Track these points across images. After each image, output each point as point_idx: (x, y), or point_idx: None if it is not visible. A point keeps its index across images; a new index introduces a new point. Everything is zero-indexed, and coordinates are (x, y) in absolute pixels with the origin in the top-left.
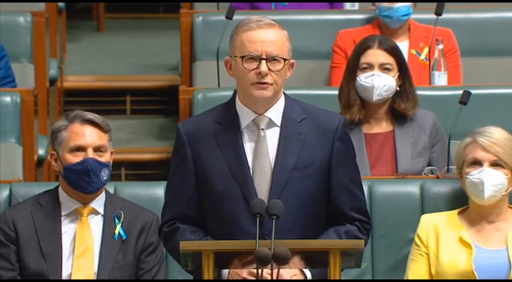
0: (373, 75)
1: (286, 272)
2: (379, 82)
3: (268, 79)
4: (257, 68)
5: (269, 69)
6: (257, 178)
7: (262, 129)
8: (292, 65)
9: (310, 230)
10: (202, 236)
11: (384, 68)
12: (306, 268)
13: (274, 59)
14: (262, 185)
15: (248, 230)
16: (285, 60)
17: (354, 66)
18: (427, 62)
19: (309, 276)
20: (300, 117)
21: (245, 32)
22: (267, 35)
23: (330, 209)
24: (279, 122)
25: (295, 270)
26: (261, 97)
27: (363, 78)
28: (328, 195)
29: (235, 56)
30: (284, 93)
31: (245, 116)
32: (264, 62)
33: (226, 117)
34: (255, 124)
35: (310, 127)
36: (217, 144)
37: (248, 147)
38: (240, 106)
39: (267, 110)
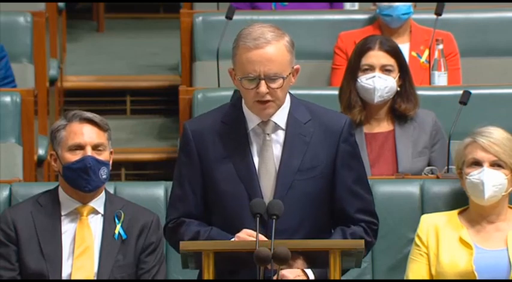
0: (374, 77)
1: (289, 272)
2: (380, 84)
3: (268, 97)
4: (256, 87)
5: (269, 87)
6: (263, 180)
7: (268, 134)
8: (297, 70)
9: (315, 232)
10: (207, 227)
11: (385, 69)
12: (308, 268)
13: (273, 78)
14: (267, 188)
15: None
16: (284, 78)
17: (354, 67)
18: (428, 65)
19: (311, 276)
20: (305, 118)
21: (243, 50)
22: (264, 54)
23: (335, 211)
24: (284, 125)
25: (298, 271)
26: (264, 115)
27: (364, 80)
28: (333, 196)
29: (235, 71)
30: (290, 93)
31: (251, 119)
32: (262, 81)
33: (232, 118)
34: (260, 128)
35: (315, 128)
36: (223, 145)
37: (254, 149)
38: (246, 109)
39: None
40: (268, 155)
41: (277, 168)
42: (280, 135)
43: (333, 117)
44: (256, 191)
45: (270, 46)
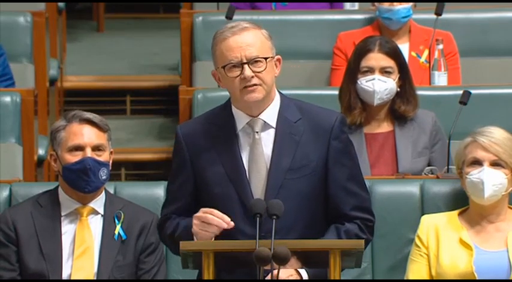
0: (374, 79)
1: (282, 272)
2: (380, 86)
3: (254, 81)
4: (241, 73)
5: (253, 71)
6: (253, 180)
7: (257, 132)
8: (278, 60)
9: (309, 231)
10: (189, 219)
11: (384, 71)
12: (302, 268)
13: (256, 61)
14: (258, 187)
15: (245, 231)
16: (266, 58)
17: (354, 69)
18: (427, 65)
19: (304, 276)
20: (295, 117)
21: (221, 42)
22: (242, 39)
23: (329, 208)
24: (274, 124)
25: (291, 270)
26: (253, 101)
27: (364, 82)
28: (326, 194)
29: (218, 68)
30: (280, 92)
31: (240, 119)
32: (246, 66)
33: (222, 120)
34: (250, 127)
35: (306, 127)
36: (214, 147)
37: (244, 150)
38: (235, 109)
39: (261, 112)
40: (258, 153)
41: (268, 167)
42: (270, 134)
43: (323, 115)
44: (247, 192)
45: (248, 32)
